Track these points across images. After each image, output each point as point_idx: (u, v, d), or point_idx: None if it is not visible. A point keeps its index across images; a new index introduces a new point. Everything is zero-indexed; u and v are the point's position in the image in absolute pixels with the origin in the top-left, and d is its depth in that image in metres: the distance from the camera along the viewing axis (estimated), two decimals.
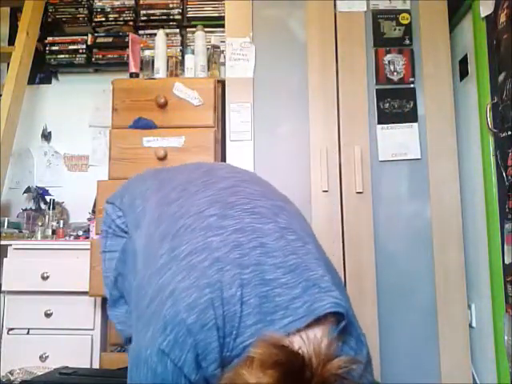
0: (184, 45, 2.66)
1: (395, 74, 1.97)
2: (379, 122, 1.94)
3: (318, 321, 0.76)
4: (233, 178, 1.02)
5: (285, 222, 0.90)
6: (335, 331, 0.76)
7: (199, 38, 2.26)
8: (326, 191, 1.88)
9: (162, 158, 2.01)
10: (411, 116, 1.94)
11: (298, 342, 0.70)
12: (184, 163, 1.28)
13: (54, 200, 2.56)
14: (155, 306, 0.78)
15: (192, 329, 0.73)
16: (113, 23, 2.67)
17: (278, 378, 0.64)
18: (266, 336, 0.70)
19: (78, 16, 2.68)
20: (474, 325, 1.89)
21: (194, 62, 2.24)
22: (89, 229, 2.34)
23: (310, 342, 0.71)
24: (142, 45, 2.52)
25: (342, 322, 0.77)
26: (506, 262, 1.63)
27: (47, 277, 2.06)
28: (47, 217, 2.49)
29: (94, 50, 2.70)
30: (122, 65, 2.56)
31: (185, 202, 0.94)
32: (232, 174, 1.06)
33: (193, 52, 2.26)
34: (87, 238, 2.30)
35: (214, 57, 2.32)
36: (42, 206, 2.65)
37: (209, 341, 0.73)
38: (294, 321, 0.75)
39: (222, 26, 2.14)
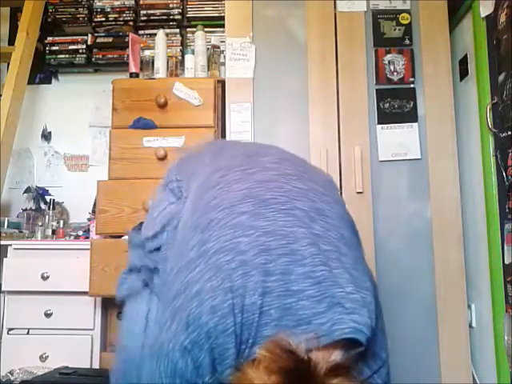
0: (184, 45, 2.67)
1: (395, 74, 1.97)
2: (379, 122, 1.94)
3: (335, 342, 0.73)
4: (275, 170, 0.95)
5: (321, 229, 0.84)
6: (350, 353, 0.74)
7: (199, 38, 2.26)
8: None
9: (162, 158, 2.01)
10: (411, 116, 1.94)
11: (307, 353, 0.68)
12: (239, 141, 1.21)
13: (53, 200, 2.56)
14: (181, 301, 0.77)
15: (212, 333, 0.72)
16: (113, 23, 2.67)
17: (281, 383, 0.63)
18: (276, 338, 0.68)
19: (78, 16, 2.68)
20: (474, 325, 1.89)
21: (194, 62, 2.24)
22: (89, 229, 2.34)
23: (319, 354, 0.69)
24: (142, 45, 2.52)
25: (359, 348, 0.75)
26: (506, 261, 1.63)
27: (47, 277, 2.06)
28: (47, 217, 2.48)
29: (94, 50, 2.70)
30: (122, 65, 2.56)
31: (220, 192, 0.90)
32: (276, 165, 0.98)
33: (193, 52, 2.26)
34: (87, 238, 2.30)
35: (214, 57, 2.32)
36: (42, 206, 2.65)
37: (226, 346, 0.73)
38: (313, 338, 0.71)
39: (222, 25, 2.14)
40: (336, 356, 0.71)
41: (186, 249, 0.84)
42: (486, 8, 1.79)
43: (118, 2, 2.66)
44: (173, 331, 0.75)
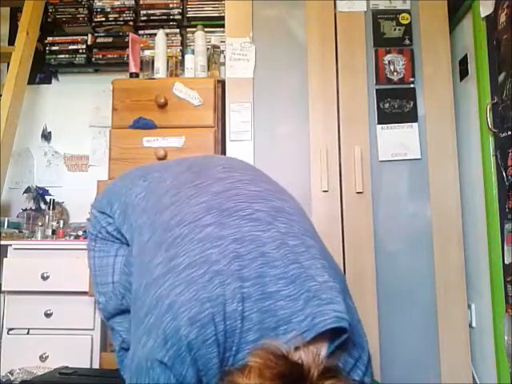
0: (184, 45, 2.67)
1: (395, 73, 1.97)
2: (379, 122, 1.94)
3: (319, 334, 0.74)
4: (228, 180, 0.97)
5: (285, 226, 0.87)
6: (336, 343, 0.75)
7: (199, 38, 2.26)
8: (326, 191, 1.88)
9: (162, 158, 2.01)
10: (411, 116, 1.94)
11: (297, 353, 0.69)
12: (169, 160, 1.21)
13: (53, 200, 2.56)
14: (154, 318, 0.76)
15: (193, 345, 0.72)
16: (113, 23, 2.67)
17: None
18: (265, 344, 0.68)
19: (78, 16, 2.68)
20: (474, 325, 1.89)
21: (194, 62, 2.24)
22: None
23: (309, 352, 0.70)
24: (142, 45, 2.52)
25: (343, 336, 0.75)
26: (506, 261, 1.63)
27: (47, 277, 2.06)
28: (47, 217, 2.48)
29: (94, 50, 2.70)
30: (122, 65, 2.56)
31: (179, 209, 0.91)
32: (226, 173, 1.00)
33: (193, 52, 2.26)
34: (87, 238, 2.30)
35: (214, 57, 2.32)
36: (42, 206, 2.65)
37: (209, 356, 0.72)
38: (297, 336, 0.73)
39: (222, 26, 2.14)
40: (325, 352, 0.72)
41: (150, 266, 0.84)
42: (485, 8, 1.79)
43: (118, 2, 2.66)
44: (149, 348, 0.74)
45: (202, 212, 0.87)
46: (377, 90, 1.96)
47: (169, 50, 2.40)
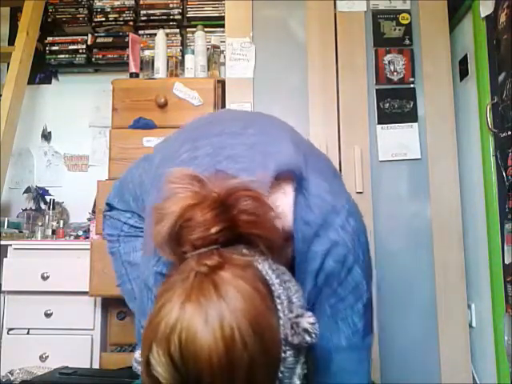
0: (184, 45, 2.66)
1: (395, 73, 1.97)
2: (379, 122, 1.94)
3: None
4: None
5: (256, 132, 0.88)
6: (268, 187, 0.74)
7: (199, 38, 2.26)
8: None
9: None
10: (411, 116, 1.94)
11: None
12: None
13: (53, 200, 2.56)
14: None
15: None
16: (113, 23, 2.67)
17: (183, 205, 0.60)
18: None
19: (78, 16, 2.68)
20: (474, 325, 1.89)
21: (194, 62, 2.24)
22: (89, 229, 2.34)
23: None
24: (142, 45, 2.52)
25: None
26: (506, 261, 1.63)
27: (47, 277, 2.06)
28: (47, 217, 2.48)
29: (94, 50, 2.70)
30: (122, 65, 2.56)
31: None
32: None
33: (193, 52, 2.26)
34: (87, 238, 2.30)
35: (214, 57, 2.32)
36: (42, 206, 2.65)
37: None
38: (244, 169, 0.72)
39: (222, 26, 2.14)
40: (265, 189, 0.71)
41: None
42: (485, 8, 1.79)
43: (118, 2, 2.66)
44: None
45: (178, 147, 0.90)
46: (377, 89, 1.96)
47: (169, 50, 2.40)
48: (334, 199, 0.78)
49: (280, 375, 0.56)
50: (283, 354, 0.56)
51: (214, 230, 0.58)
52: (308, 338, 0.56)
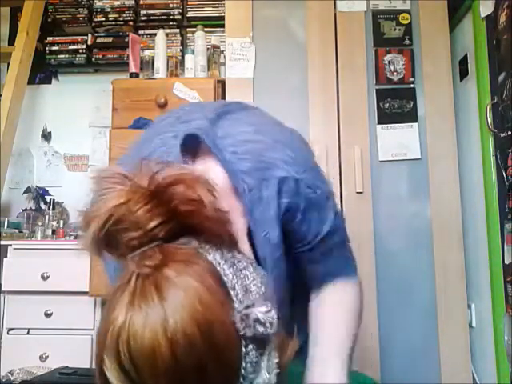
0: (184, 45, 2.66)
1: (395, 73, 1.97)
2: (379, 122, 1.94)
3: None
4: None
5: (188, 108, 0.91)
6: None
7: (199, 38, 2.26)
8: None
9: None
10: (411, 116, 1.94)
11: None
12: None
13: (53, 200, 2.56)
14: None
15: None
16: (113, 23, 2.67)
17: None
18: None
19: (78, 16, 2.68)
20: (474, 325, 1.89)
21: (194, 62, 2.24)
22: None
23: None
24: (142, 45, 2.51)
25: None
26: (506, 261, 1.63)
27: (47, 277, 2.06)
28: (47, 217, 2.48)
29: (94, 50, 2.69)
30: (122, 65, 2.56)
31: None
32: None
33: (193, 52, 2.26)
34: None
35: (214, 57, 2.32)
36: (42, 206, 2.65)
37: None
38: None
39: (222, 26, 2.14)
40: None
41: None
42: (485, 8, 1.79)
43: (118, 2, 2.66)
44: None
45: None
46: (377, 89, 1.96)
47: (169, 50, 2.40)
48: (263, 137, 0.75)
49: (243, 371, 0.52)
50: (244, 350, 0.52)
51: (150, 225, 0.54)
52: (261, 329, 0.52)
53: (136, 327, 0.49)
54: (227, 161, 0.71)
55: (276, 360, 0.55)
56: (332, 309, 0.83)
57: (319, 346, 0.81)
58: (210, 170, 0.71)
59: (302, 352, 0.90)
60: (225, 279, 0.55)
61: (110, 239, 0.55)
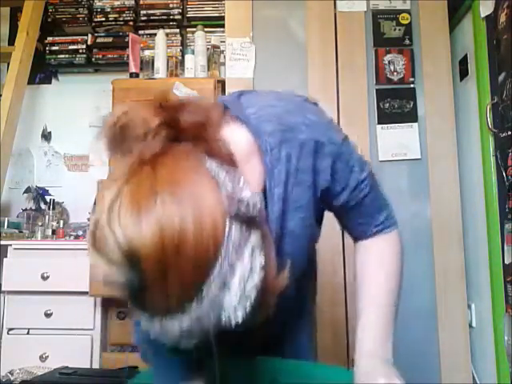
0: (184, 45, 2.66)
1: (395, 73, 1.97)
2: (379, 122, 1.94)
3: None
4: None
5: None
6: None
7: (199, 38, 2.26)
8: None
9: None
10: (411, 116, 1.94)
11: None
12: None
13: (53, 200, 2.56)
14: None
15: None
16: (113, 23, 2.67)
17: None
18: None
19: (78, 16, 2.68)
20: (474, 325, 1.89)
21: (194, 62, 2.24)
22: None
23: None
24: (142, 45, 2.52)
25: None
26: (506, 261, 1.63)
27: (47, 277, 2.06)
28: (47, 217, 2.48)
29: (94, 50, 2.69)
30: (122, 65, 2.56)
31: None
32: None
33: (193, 52, 2.26)
34: None
35: (214, 57, 2.32)
36: (42, 206, 2.65)
37: None
38: None
39: (222, 26, 2.14)
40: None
41: None
42: (485, 8, 1.79)
43: (118, 2, 2.66)
44: None
45: None
46: (377, 89, 1.96)
47: (169, 50, 2.40)
48: (284, 104, 0.78)
49: (224, 251, 0.52)
50: (227, 231, 0.53)
51: (155, 123, 0.58)
52: (245, 208, 0.55)
53: (127, 208, 0.52)
54: (252, 123, 0.75)
55: (261, 262, 0.55)
56: (374, 268, 0.87)
57: (364, 309, 0.84)
58: (235, 132, 0.74)
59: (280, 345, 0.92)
60: (217, 178, 0.57)
61: (121, 134, 0.60)
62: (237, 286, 0.53)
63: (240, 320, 0.53)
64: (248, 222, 0.56)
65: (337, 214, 0.87)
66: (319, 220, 0.88)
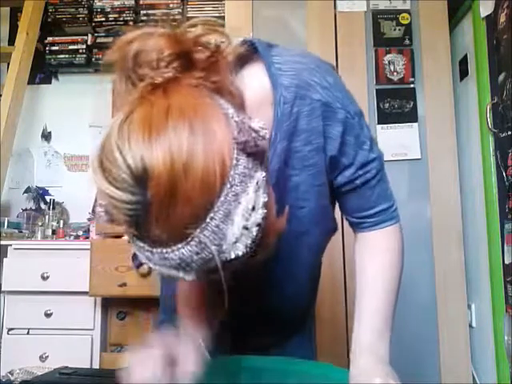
0: None
1: (395, 73, 1.97)
2: (379, 122, 1.94)
3: None
4: None
5: None
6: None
7: None
8: None
9: None
10: (411, 116, 1.94)
11: None
12: None
13: (53, 200, 2.56)
14: None
15: None
16: (113, 23, 2.67)
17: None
18: None
19: (78, 16, 2.68)
20: (474, 325, 1.89)
21: None
22: (89, 229, 2.34)
23: None
24: None
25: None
26: (506, 261, 1.63)
27: (47, 277, 2.06)
28: (47, 217, 2.49)
29: (94, 50, 2.70)
30: None
31: None
32: None
33: None
34: (87, 238, 2.30)
35: None
36: (42, 206, 2.65)
37: None
38: None
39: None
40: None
41: None
42: (485, 8, 1.79)
43: (118, 2, 2.67)
44: None
45: None
46: (377, 90, 1.96)
47: None
48: (307, 61, 0.80)
49: (230, 179, 0.53)
50: (235, 161, 0.53)
51: (168, 51, 0.57)
52: (254, 135, 0.55)
53: (140, 118, 0.52)
54: (273, 73, 0.75)
55: (264, 200, 0.56)
56: (374, 263, 0.87)
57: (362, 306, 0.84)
58: (255, 75, 0.75)
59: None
60: (226, 112, 0.57)
61: (133, 60, 0.58)
62: (240, 219, 0.53)
63: (240, 253, 0.53)
64: (255, 155, 0.56)
65: (339, 197, 0.86)
66: (332, 201, 0.87)
